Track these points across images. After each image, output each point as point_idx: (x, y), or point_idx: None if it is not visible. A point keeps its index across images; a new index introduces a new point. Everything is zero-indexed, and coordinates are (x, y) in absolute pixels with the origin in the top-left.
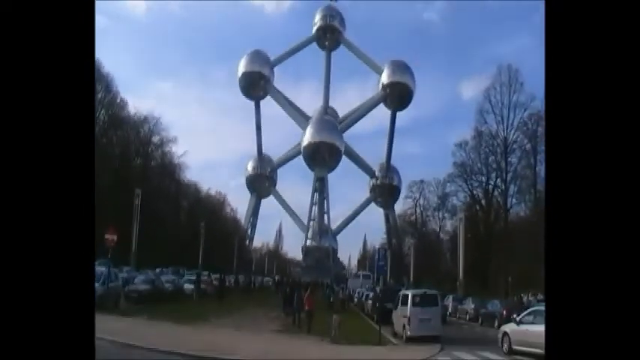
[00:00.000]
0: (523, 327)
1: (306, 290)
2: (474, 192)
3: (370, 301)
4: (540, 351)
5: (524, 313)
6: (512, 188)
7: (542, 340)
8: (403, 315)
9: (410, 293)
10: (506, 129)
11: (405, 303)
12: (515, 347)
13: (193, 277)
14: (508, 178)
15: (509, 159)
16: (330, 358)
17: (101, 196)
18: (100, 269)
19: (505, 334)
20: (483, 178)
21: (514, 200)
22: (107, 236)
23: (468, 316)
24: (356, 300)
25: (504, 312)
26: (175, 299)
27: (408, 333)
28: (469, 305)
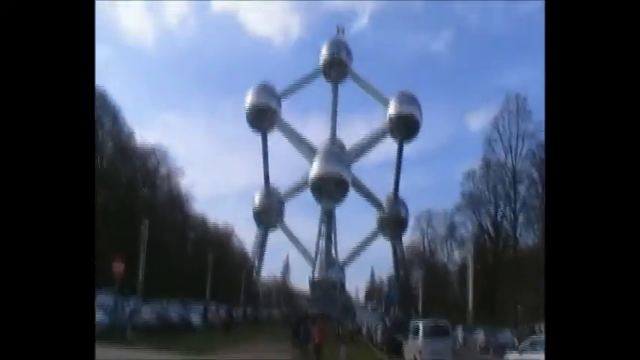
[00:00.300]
0: (525, 355)
1: (315, 322)
2: (483, 222)
3: (380, 333)
4: None
5: (526, 342)
6: (521, 217)
7: None
8: (415, 346)
9: (421, 324)
10: (515, 158)
11: (416, 334)
12: None
13: (201, 309)
14: (517, 208)
15: (518, 188)
16: None
17: (108, 226)
18: (106, 299)
19: None
20: (492, 208)
21: (523, 229)
22: (115, 267)
23: (478, 347)
24: (364, 332)
25: (516, 342)
26: (182, 330)
27: None
28: (479, 335)
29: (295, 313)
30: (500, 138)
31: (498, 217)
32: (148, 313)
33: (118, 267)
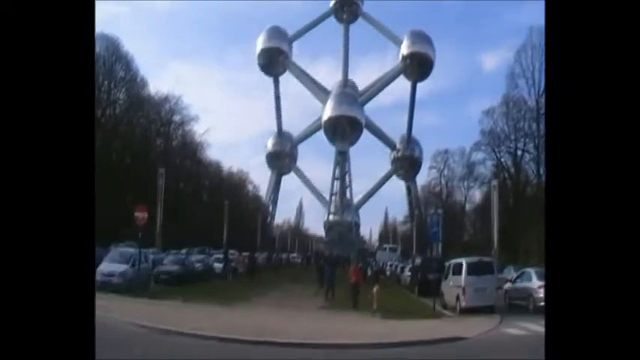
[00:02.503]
0: (517, 284)
1: (349, 264)
2: (502, 160)
3: (408, 273)
4: (523, 302)
5: (519, 273)
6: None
7: (525, 293)
8: (456, 285)
9: (464, 261)
10: (538, 93)
11: (457, 272)
12: (510, 300)
13: (222, 256)
14: (540, 143)
15: (541, 124)
16: (389, 333)
17: (123, 177)
18: (128, 250)
19: (505, 290)
20: (512, 145)
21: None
22: (137, 214)
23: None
24: (388, 273)
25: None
26: (206, 279)
27: (463, 304)
28: (510, 274)
29: (315, 256)
30: (523, 72)
31: (519, 154)
32: (170, 263)
33: (141, 215)
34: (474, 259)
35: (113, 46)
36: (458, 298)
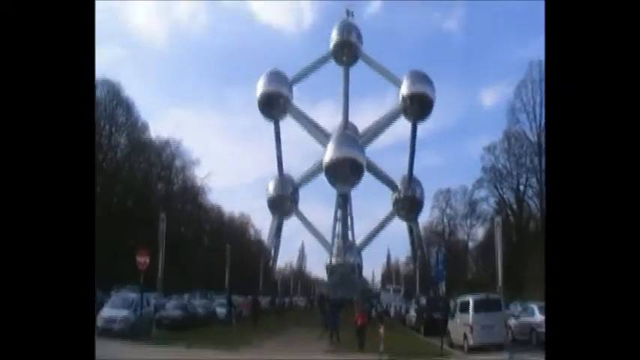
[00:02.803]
0: (521, 319)
1: (352, 306)
2: (505, 196)
3: (413, 313)
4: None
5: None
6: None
7: (528, 327)
8: (463, 323)
9: (471, 299)
10: (539, 127)
11: (464, 310)
12: (514, 336)
13: (225, 301)
14: (543, 178)
15: (543, 158)
16: None
17: (125, 221)
18: (130, 295)
19: (509, 326)
20: (514, 181)
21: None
22: (139, 259)
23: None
24: (392, 313)
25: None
26: (209, 324)
27: (471, 342)
28: (517, 309)
29: (318, 299)
30: (524, 107)
31: (521, 190)
32: (172, 307)
33: (143, 259)
34: (481, 296)
35: (114, 90)
36: (465, 336)
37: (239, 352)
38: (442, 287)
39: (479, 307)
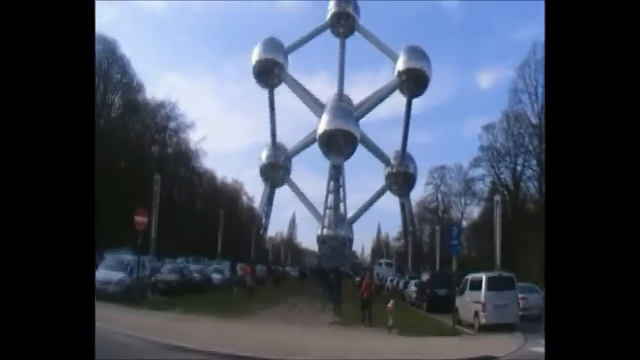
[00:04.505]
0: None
1: (362, 277)
2: (502, 176)
3: (413, 288)
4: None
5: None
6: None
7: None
8: (475, 301)
9: (484, 276)
10: (540, 108)
11: (476, 287)
12: None
13: (220, 267)
14: (542, 159)
15: (543, 140)
16: (411, 351)
17: (117, 182)
18: (126, 257)
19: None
20: (512, 161)
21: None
22: (137, 218)
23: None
24: (389, 288)
25: None
26: (205, 290)
27: (483, 321)
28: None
29: (317, 270)
30: (527, 88)
31: (518, 170)
32: (168, 272)
33: (142, 219)
34: (494, 273)
35: (109, 48)
36: (476, 314)
37: (240, 321)
38: (454, 263)
39: (492, 284)
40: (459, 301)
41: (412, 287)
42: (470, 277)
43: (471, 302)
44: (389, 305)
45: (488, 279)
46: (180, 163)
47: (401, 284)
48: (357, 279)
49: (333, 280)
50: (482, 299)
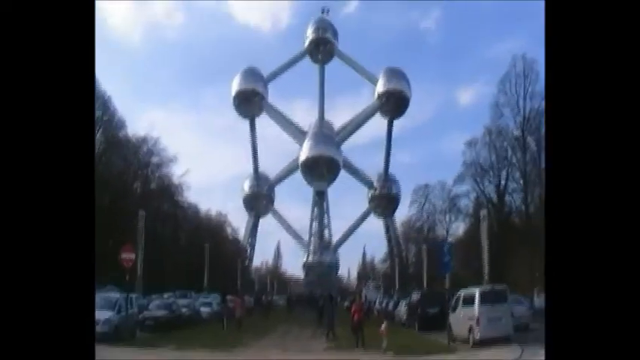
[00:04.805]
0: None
1: (352, 301)
2: (486, 191)
3: (404, 309)
4: None
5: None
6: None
7: None
8: (468, 316)
9: (477, 291)
10: (523, 120)
11: (469, 302)
12: None
13: (208, 300)
14: (527, 171)
15: (527, 152)
16: None
17: (101, 220)
18: (113, 295)
19: None
20: (496, 175)
21: (530, 195)
22: (124, 255)
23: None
24: (376, 311)
25: None
26: (195, 324)
27: (477, 336)
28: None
29: (309, 297)
30: (508, 102)
31: (502, 184)
32: (156, 308)
33: (128, 256)
34: (487, 287)
35: None
36: (471, 329)
37: (234, 353)
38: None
39: (485, 298)
40: (452, 318)
41: (403, 308)
42: (462, 292)
43: (465, 318)
44: (382, 328)
45: (482, 293)
46: (164, 197)
47: (390, 305)
48: (346, 303)
49: (326, 306)
50: (476, 314)
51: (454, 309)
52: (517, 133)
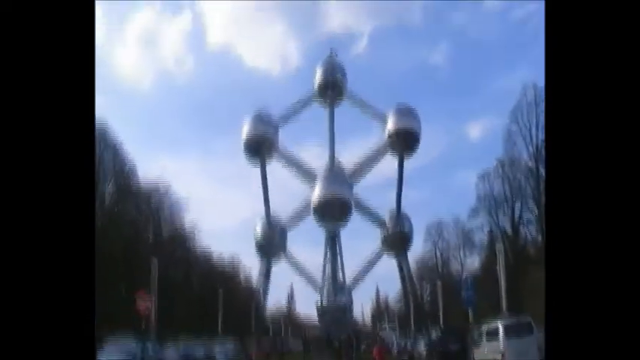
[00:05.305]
0: None
1: (372, 345)
2: (500, 223)
3: (423, 348)
4: None
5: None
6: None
7: None
8: (494, 351)
9: (500, 324)
10: (536, 150)
11: (493, 337)
12: None
13: (224, 347)
14: (541, 201)
15: (541, 182)
16: None
17: (115, 269)
18: (129, 345)
19: None
20: (510, 206)
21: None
22: (140, 303)
23: None
24: (395, 351)
25: None
26: None
27: None
28: None
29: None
30: (520, 131)
31: (516, 215)
32: (173, 356)
33: (144, 303)
34: (511, 319)
35: (101, 132)
36: None
37: None
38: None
39: (510, 331)
40: (477, 354)
41: (422, 346)
42: (485, 327)
43: (490, 353)
44: None
45: (505, 327)
46: (176, 244)
47: (409, 344)
48: (363, 346)
49: (344, 349)
50: (502, 348)
51: (478, 344)
52: (530, 163)
